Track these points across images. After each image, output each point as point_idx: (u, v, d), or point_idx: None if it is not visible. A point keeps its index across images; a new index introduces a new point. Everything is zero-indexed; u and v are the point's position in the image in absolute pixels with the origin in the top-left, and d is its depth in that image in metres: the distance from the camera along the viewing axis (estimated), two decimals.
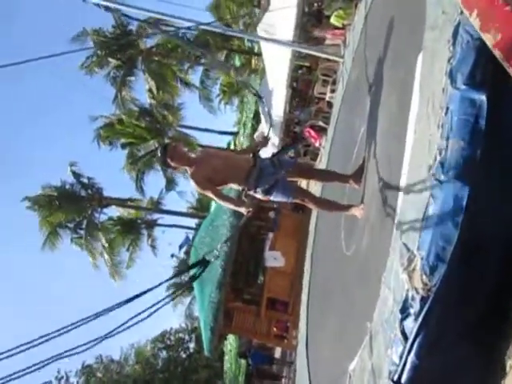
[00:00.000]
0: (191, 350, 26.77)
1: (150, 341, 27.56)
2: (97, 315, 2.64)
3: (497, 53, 1.79)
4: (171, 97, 21.29)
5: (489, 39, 1.86)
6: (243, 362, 17.54)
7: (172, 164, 4.32)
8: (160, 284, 3.08)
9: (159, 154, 4.42)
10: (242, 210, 4.21)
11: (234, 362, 17.95)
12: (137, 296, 2.81)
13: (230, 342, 17.23)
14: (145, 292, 2.88)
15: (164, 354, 27.19)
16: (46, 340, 2.46)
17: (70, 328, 2.54)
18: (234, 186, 4.42)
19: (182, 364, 25.91)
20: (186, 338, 27.42)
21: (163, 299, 2.92)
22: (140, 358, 27.16)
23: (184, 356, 26.74)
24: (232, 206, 4.45)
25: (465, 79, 2.32)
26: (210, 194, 4.35)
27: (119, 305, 2.74)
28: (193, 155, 4.44)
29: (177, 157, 4.28)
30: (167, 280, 3.61)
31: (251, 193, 4.27)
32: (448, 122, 2.37)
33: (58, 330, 2.51)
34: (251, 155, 4.37)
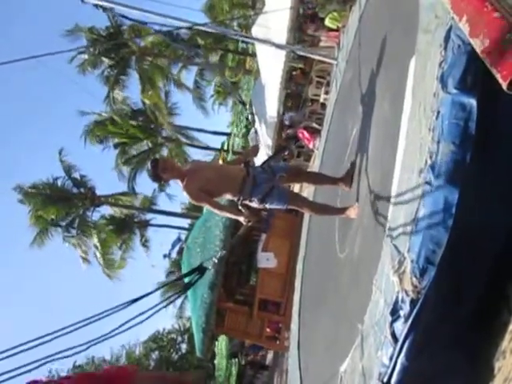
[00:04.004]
0: (183, 351, 26.70)
1: (142, 341, 27.47)
2: (90, 319, 2.62)
3: (485, 58, 1.81)
4: (157, 100, 21.17)
5: (477, 45, 1.88)
6: (235, 362, 17.57)
7: (164, 177, 4.24)
8: (158, 289, 3.10)
9: (150, 168, 4.27)
10: (241, 219, 4.19)
11: (226, 363, 17.93)
12: (135, 300, 2.81)
13: (221, 343, 17.20)
14: (143, 296, 2.89)
15: (156, 354, 27.11)
16: (44, 342, 2.43)
17: (66, 331, 2.52)
18: (229, 197, 4.35)
19: (174, 364, 25.83)
20: (179, 338, 27.33)
21: (159, 303, 2.93)
22: (131, 358, 27.03)
23: (176, 357, 26.67)
24: (230, 216, 4.39)
25: (456, 83, 2.35)
26: (205, 205, 4.30)
27: (117, 309, 2.73)
28: (184, 167, 4.39)
29: (168, 169, 4.21)
30: (164, 285, 3.62)
31: (247, 202, 4.23)
32: (439, 125, 2.39)
33: (56, 332, 2.49)
34: (243, 165, 4.34)
